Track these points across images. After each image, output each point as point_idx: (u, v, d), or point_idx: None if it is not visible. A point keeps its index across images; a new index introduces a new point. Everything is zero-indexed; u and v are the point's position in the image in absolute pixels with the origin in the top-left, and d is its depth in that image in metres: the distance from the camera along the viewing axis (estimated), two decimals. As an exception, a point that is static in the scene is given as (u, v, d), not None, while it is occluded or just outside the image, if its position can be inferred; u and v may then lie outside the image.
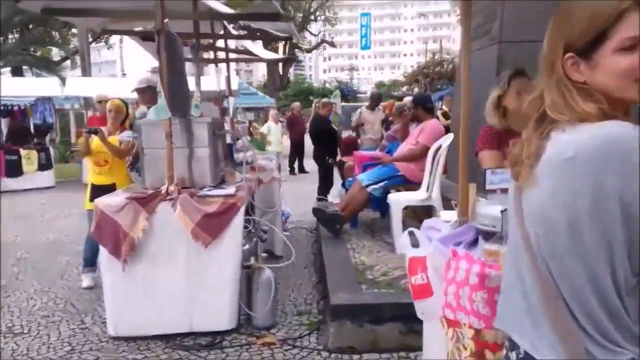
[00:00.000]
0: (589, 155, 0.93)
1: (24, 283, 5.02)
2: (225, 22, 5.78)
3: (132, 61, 41.45)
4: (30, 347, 3.64)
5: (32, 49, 21.50)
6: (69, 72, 21.14)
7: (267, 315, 3.83)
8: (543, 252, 1.01)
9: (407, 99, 7.35)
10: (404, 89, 40.95)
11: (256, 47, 7.78)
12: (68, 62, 23.54)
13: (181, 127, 3.92)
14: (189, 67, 4.74)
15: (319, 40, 36.33)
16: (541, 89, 1.07)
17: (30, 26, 20.83)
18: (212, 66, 6.78)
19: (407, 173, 4.99)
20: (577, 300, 0.97)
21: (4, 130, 12.91)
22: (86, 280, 4.85)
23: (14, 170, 10.93)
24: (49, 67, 18.72)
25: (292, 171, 13.22)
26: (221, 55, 6.27)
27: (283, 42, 24.60)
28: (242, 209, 3.73)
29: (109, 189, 4.54)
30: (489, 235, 2.26)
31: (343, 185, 6.83)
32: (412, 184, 4.97)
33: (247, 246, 3.96)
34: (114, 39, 29.69)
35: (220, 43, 6.17)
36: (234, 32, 6.14)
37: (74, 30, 22.64)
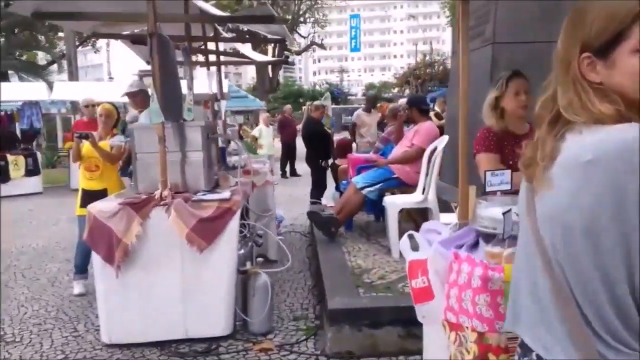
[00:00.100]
0: (608, 158, 0.91)
1: (14, 291, 4.94)
2: (216, 25, 5.74)
3: (119, 65, 41.22)
4: (22, 356, 3.58)
5: (17, 53, 21.27)
6: (56, 77, 20.95)
7: (264, 320, 3.79)
8: (558, 255, 0.99)
9: (402, 101, 7.33)
10: (395, 90, 41.09)
11: (245, 49, 7.73)
12: (55, 66, 23.32)
13: (174, 131, 3.87)
14: (180, 70, 4.69)
15: (309, 42, 36.31)
16: (553, 90, 1.06)
17: (16, 30, 20.60)
18: (200, 69, 6.75)
19: (402, 175, 4.97)
20: (591, 304, 0.96)
21: (-9, 136, 12.73)
22: (77, 287, 4.78)
23: (1, 176, 10.78)
24: (36, 71, 18.53)
25: (283, 174, 13.17)
26: (212, 58, 6.22)
27: (273, 44, 24.56)
28: (238, 213, 3.69)
29: (100, 194, 4.49)
30: (489, 238, 2.25)
31: (337, 188, 6.81)
32: (407, 187, 4.95)
33: (242, 251, 3.92)
34: (101, 42, 29.50)
35: (210, 46, 6.13)
36: (225, 34, 6.11)
37: (60, 34, 22.45)
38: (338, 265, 4.34)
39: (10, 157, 11.03)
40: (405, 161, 5.00)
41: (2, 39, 19.95)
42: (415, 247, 2.58)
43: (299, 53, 35.62)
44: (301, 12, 32.72)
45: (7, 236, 7.02)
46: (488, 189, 2.38)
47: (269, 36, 6.41)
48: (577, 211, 0.95)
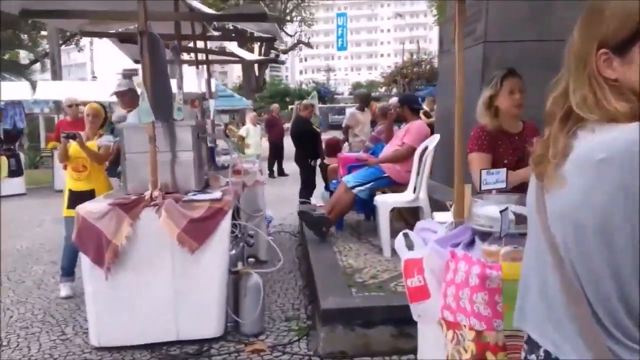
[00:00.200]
0: (622, 157, 0.91)
1: (-1, 294, 4.86)
2: (205, 23, 5.69)
3: (102, 64, 40.79)
4: (10, 361, 3.52)
5: (-1, 52, 20.95)
6: (39, 76, 20.67)
7: (256, 321, 3.76)
8: (570, 253, 0.99)
9: (393, 100, 7.33)
10: (382, 89, 41.21)
11: (234, 47, 7.69)
12: (37, 65, 22.99)
13: (164, 130, 3.83)
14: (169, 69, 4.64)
15: (295, 41, 36.24)
16: (564, 86, 1.05)
17: (-2, 29, 20.29)
18: (188, 68, 6.67)
19: (393, 174, 4.97)
20: (603, 302, 0.96)
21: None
22: (64, 290, 4.71)
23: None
24: (18, 70, 18.24)
25: (271, 174, 13.12)
26: (201, 56, 6.17)
27: (259, 42, 24.47)
28: (229, 214, 3.66)
29: (88, 195, 4.42)
30: (485, 236, 2.25)
31: (327, 187, 6.79)
32: (398, 186, 4.95)
33: (233, 251, 3.89)
34: (84, 41, 29.11)
35: (199, 44, 6.08)
36: (214, 33, 6.05)
37: (43, 33, 22.14)
38: (329, 265, 4.32)
39: (-8, 158, 10.84)
40: (396, 160, 4.99)
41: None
42: (409, 246, 2.58)
43: (285, 52, 35.51)
44: (288, 11, 32.63)
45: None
46: (484, 187, 2.38)
47: (257, 34, 6.36)
48: (590, 209, 0.94)
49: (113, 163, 5.07)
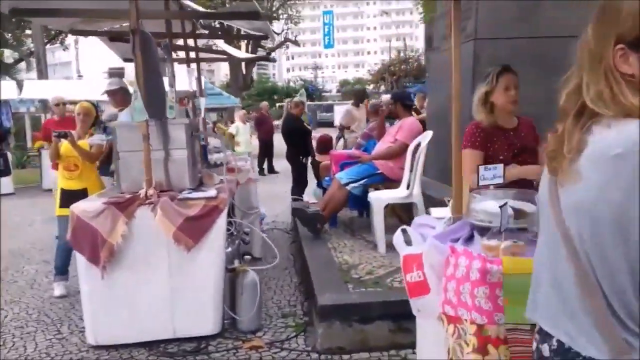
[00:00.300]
0: (637, 152, 0.92)
1: (-8, 294, 4.81)
2: (194, 21, 5.66)
3: (87, 62, 40.36)
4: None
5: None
6: (24, 75, 20.39)
7: (253, 318, 3.77)
8: (585, 246, 1.01)
9: (386, 97, 7.34)
10: (370, 87, 41.25)
11: (224, 45, 7.66)
12: (23, 64, 22.68)
13: (158, 129, 3.82)
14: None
15: (282, 39, 36.12)
16: (576, 82, 1.07)
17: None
18: (178, 66, 6.64)
19: (386, 171, 4.99)
20: (618, 294, 0.98)
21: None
22: (58, 289, 4.69)
23: (-28, 177, 10.45)
24: (5, 69, 18.01)
25: (261, 172, 13.09)
26: (191, 54, 6.15)
27: (246, 40, 24.35)
28: (225, 211, 3.66)
29: (80, 194, 4.40)
30: (484, 231, 2.28)
31: (319, 185, 6.80)
32: (391, 182, 4.98)
33: (229, 249, 3.90)
34: (69, 39, 28.79)
35: (189, 42, 6.05)
36: (204, 31, 6.03)
37: (27, 32, 21.83)
38: (325, 262, 4.34)
39: (-20, 158, 10.69)
40: (389, 157, 5.02)
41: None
42: (408, 242, 2.60)
43: (272, 50, 35.40)
44: (274, 9, 32.53)
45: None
46: (481, 183, 2.40)
47: (248, 32, 6.35)
48: (606, 204, 0.96)
49: (104, 162, 5.04)
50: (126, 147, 3.79)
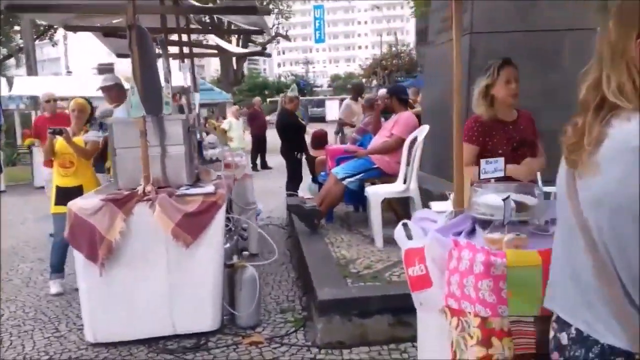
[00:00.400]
0: None
1: (-13, 293, 4.78)
2: (187, 15, 5.63)
3: (76, 58, 39.94)
4: (5, 358, 3.47)
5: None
6: (14, 71, 20.22)
7: (252, 314, 3.78)
8: (604, 237, 1.02)
9: (382, 92, 7.33)
10: (363, 81, 41.21)
11: (218, 40, 7.61)
12: (12, 60, 22.47)
13: (154, 125, 3.80)
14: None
15: (273, 34, 35.98)
16: (596, 76, 1.07)
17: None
18: (170, 61, 6.60)
19: (382, 165, 5.00)
20: (637, 284, 0.99)
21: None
22: (54, 287, 4.66)
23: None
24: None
25: (254, 167, 13.06)
26: (185, 49, 6.11)
27: (236, 35, 24.22)
28: (224, 207, 3.65)
29: (76, 191, 4.38)
30: (486, 224, 2.29)
31: (315, 180, 6.79)
32: (387, 177, 4.98)
33: (228, 245, 3.89)
34: (58, 35, 28.47)
35: (183, 37, 6.01)
36: (198, 26, 6.00)
37: (16, 28, 21.61)
38: (322, 257, 4.34)
39: (-30, 156, 10.58)
40: (385, 151, 5.02)
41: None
42: (409, 236, 2.61)
43: (263, 45, 35.27)
44: (265, 3, 32.40)
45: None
46: (482, 176, 2.42)
47: (234, 26, 6.30)
48: (625, 196, 0.97)
49: (98, 159, 5.01)
50: (123, 143, 3.77)
